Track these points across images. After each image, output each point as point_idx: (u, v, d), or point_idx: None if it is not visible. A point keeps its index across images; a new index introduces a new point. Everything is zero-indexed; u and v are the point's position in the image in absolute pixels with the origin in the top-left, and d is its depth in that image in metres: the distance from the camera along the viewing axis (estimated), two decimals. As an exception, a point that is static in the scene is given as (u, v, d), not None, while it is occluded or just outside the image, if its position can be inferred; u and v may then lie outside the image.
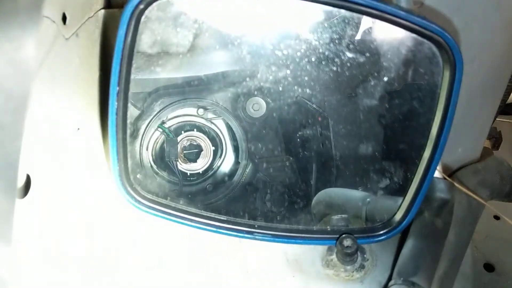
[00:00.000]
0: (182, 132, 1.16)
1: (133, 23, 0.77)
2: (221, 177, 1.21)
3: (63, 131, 0.88)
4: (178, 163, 1.16)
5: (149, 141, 1.15)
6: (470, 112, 1.11)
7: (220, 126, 1.19)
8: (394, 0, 0.81)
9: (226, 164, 1.21)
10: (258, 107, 1.15)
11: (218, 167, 1.21)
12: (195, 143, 1.18)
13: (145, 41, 0.85)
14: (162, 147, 1.15)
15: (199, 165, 1.19)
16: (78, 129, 0.91)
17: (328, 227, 0.98)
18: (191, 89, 1.13)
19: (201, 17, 0.81)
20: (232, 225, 0.95)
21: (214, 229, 0.95)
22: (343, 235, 0.94)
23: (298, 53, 0.93)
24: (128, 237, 0.97)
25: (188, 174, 1.18)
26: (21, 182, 0.75)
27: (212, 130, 1.19)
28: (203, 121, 1.18)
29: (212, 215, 0.95)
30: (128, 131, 0.86)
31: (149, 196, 0.93)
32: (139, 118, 1.12)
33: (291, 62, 0.96)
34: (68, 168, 0.89)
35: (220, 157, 1.20)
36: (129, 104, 1.07)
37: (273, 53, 0.94)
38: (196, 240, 0.99)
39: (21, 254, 0.77)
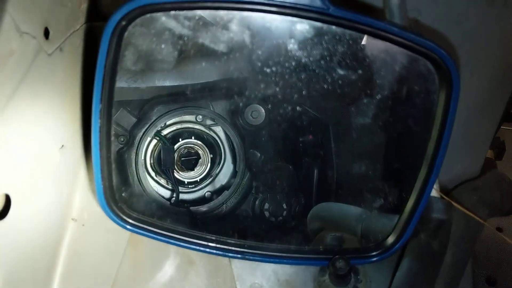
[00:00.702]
0: (180, 139, 1.14)
1: (115, 39, 0.74)
2: (219, 185, 1.19)
3: (46, 148, 0.86)
4: (175, 171, 1.14)
5: (146, 149, 1.14)
6: (469, 127, 1.08)
7: (219, 133, 1.17)
8: (388, 15, 0.77)
9: (224, 172, 1.19)
10: (257, 114, 1.12)
11: (217, 175, 1.19)
12: (192, 151, 1.15)
13: (129, 58, 0.82)
14: (159, 155, 1.13)
15: (197, 173, 1.16)
16: (63, 146, 0.89)
17: (320, 247, 0.95)
18: (189, 97, 1.12)
19: (186, 33, 0.78)
20: (222, 244, 0.92)
21: (203, 248, 0.92)
22: (336, 256, 0.91)
23: (292, 65, 0.91)
24: (114, 256, 0.94)
25: (186, 182, 1.16)
26: (-1, 203, 0.73)
27: (211, 137, 1.17)
28: (201, 127, 1.16)
29: (201, 234, 0.93)
30: (114, 145, 0.84)
31: (135, 214, 0.90)
32: (135, 126, 1.11)
33: (289, 71, 0.93)
34: (51, 187, 0.87)
35: (219, 165, 1.18)
36: (126, 112, 1.08)
37: (272, 61, 0.91)
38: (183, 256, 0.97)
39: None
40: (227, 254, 0.93)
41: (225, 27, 0.77)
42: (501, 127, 1.43)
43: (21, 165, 0.78)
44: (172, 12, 0.75)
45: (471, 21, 0.96)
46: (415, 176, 0.87)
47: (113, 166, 0.86)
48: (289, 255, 0.94)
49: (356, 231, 1.01)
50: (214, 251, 0.92)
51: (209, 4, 0.72)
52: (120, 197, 0.89)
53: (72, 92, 0.92)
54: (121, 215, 0.89)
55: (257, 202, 1.19)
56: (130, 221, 0.89)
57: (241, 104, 1.12)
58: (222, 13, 0.75)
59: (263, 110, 1.12)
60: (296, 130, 1.13)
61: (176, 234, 0.91)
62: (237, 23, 0.77)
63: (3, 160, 0.72)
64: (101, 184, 0.85)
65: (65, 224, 0.91)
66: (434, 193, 0.92)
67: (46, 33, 0.81)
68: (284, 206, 1.18)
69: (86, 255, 0.94)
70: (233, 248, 0.92)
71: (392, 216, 0.94)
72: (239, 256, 0.93)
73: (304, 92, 0.99)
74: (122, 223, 0.89)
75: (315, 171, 1.14)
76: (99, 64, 0.76)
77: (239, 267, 1.00)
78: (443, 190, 0.99)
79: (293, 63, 0.88)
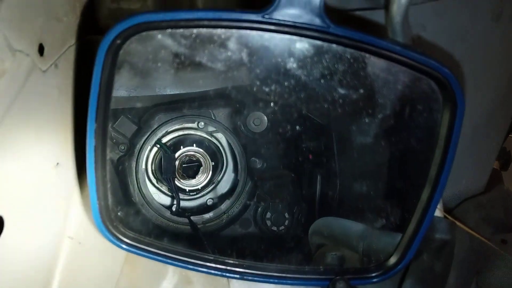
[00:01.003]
0: (181, 147, 1.13)
1: (110, 58, 0.72)
2: (220, 193, 1.18)
3: (41, 166, 0.84)
4: (176, 179, 1.13)
5: (147, 157, 1.13)
6: (475, 142, 1.06)
7: (221, 139, 1.16)
8: (390, 33, 0.75)
9: (226, 179, 1.18)
10: (259, 122, 1.12)
11: (218, 182, 1.18)
12: (194, 158, 1.14)
13: (124, 76, 0.81)
14: (160, 163, 1.12)
15: (198, 181, 1.15)
16: (58, 163, 0.87)
17: (321, 267, 0.93)
18: (189, 105, 1.11)
19: (183, 51, 0.76)
20: (220, 264, 0.90)
21: (201, 268, 0.90)
22: (337, 277, 0.89)
23: (292, 84, 0.89)
24: (110, 275, 0.92)
25: (187, 190, 1.15)
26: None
27: (213, 144, 1.16)
28: (203, 134, 1.15)
29: (199, 253, 0.91)
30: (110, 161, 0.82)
31: (131, 234, 0.88)
32: (136, 134, 1.10)
33: (293, 79, 0.91)
34: (47, 205, 0.85)
35: (220, 172, 1.17)
36: (127, 120, 1.07)
37: (275, 69, 0.89)
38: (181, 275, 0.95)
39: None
40: (225, 274, 0.91)
41: (223, 45, 0.75)
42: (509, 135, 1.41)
43: (14, 185, 0.76)
44: (168, 30, 0.73)
45: (476, 36, 0.94)
46: (418, 196, 0.85)
47: (109, 185, 0.84)
48: (289, 275, 0.92)
49: (358, 248, 0.99)
50: (213, 271, 0.90)
51: (206, 23, 0.70)
52: (116, 216, 0.87)
53: (68, 108, 0.90)
54: (117, 234, 0.87)
55: (259, 211, 1.18)
56: (126, 240, 0.88)
57: (243, 112, 1.11)
58: (220, 31, 0.73)
59: (265, 118, 1.11)
60: (298, 138, 1.11)
61: (173, 254, 0.89)
62: (236, 42, 0.75)
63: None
64: (97, 203, 0.84)
65: (61, 243, 0.89)
66: (438, 212, 0.90)
67: (41, 50, 0.79)
68: (286, 215, 1.17)
69: (83, 274, 0.92)
70: (231, 268, 0.90)
71: (394, 234, 0.93)
72: (237, 276, 0.91)
73: (306, 103, 0.97)
74: (118, 242, 0.87)
75: (318, 179, 1.13)
76: (93, 83, 0.74)
77: (238, 287, 0.98)
78: (447, 206, 0.97)
79: (293, 81, 0.86)
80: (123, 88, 0.98)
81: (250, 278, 0.91)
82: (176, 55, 0.78)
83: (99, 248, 0.92)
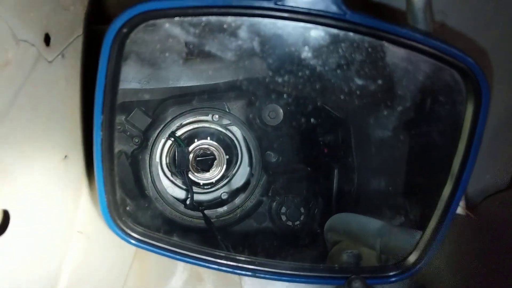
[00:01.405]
0: (196, 140, 1.11)
1: (116, 48, 0.70)
2: (235, 187, 1.16)
3: (49, 159, 0.82)
4: (190, 172, 1.11)
5: (161, 150, 1.12)
6: (498, 135, 1.01)
7: (235, 132, 1.14)
8: (411, 20, 0.71)
9: (241, 172, 1.16)
10: (274, 114, 1.09)
11: (233, 176, 1.16)
12: (208, 152, 1.12)
13: (135, 67, 0.78)
14: (174, 156, 1.11)
15: (212, 175, 1.13)
16: (66, 156, 0.85)
17: (336, 265, 0.90)
18: (204, 97, 1.09)
19: (192, 40, 0.73)
20: (232, 261, 0.88)
21: (212, 265, 0.88)
22: (352, 276, 0.86)
23: (306, 74, 0.85)
24: (120, 270, 0.90)
25: (201, 183, 1.13)
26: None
27: (228, 137, 1.13)
28: (218, 127, 1.13)
29: (210, 250, 0.88)
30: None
31: (140, 229, 0.86)
32: (150, 126, 1.08)
33: (308, 69, 0.88)
34: (55, 199, 0.83)
35: (235, 165, 1.15)
36: (140, 112, 1.05)
37: (289, 59, 0.86)
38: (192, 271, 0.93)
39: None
40: (237, 271, 0.88)
41: (234, 34, 0.71)
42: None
43: (20, 178, 0.75)
44: (177, 19, 0.69)
45: (501, 24, 0.89)
46: (439, 192, 0.81)
47: (117, 179, 0.81)
48: (302, 273, 0.89)
49: (375, 246, 0.96)
50: (224, 268, 0.88)
51: (215, 10, 0.67)
52: (125, 211, 0.85)
53: (76, 100, 0.87)
54: (126, 229, 0.85)
55: (273, 206, 1.16)
56: (135, 235, 0.86)
57: (257, 104, 1.09)
58: (230, 19, 0.70)
59: (281, 110, 1.08)
60: (315, 131, 1.09)
61: (184, 250, 0.87)
62: (247, 30, 0.71)
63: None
64: (105, 198, 0.82)
65: (70, 237, 0.87)
66: (460, 210, 0.86)
67: (47, 39, 0.76)
68: (302, 210, 1.14)
69: (92, 269, 0.90)
70: (243, 265, 0.88)
71: (414, 232, 0.89)
72: (249, 273, 0.88)
73: (323, 92, 0.93)
74: (126, 237, 0.85)
75: (335, 173, 1.10)
76: (99, 74, 0.72)
77: (250, 284, 0.96)
78: (469, 202, 0.93)
79: (308, 72, 0.83)
80: (135, 80, 0.96)
81: (262, 275, 0.88)
82: (186, 44, 0.75)
83: (108, 243, 0.90)
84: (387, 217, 0.95)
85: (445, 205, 0.80)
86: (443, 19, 0.83)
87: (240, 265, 0.88)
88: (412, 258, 0.86)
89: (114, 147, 0.79)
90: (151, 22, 0.69)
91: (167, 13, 0.68)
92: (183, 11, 0.67)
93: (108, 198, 0.82)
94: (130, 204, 0.88)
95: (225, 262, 0.88)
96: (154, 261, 0.95)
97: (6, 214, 0.72)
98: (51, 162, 0.82)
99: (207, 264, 0.87)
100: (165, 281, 0.95)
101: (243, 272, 0.89)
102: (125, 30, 0.68)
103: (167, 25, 0.71)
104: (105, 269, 0.93)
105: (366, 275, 0.87)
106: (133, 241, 0.85)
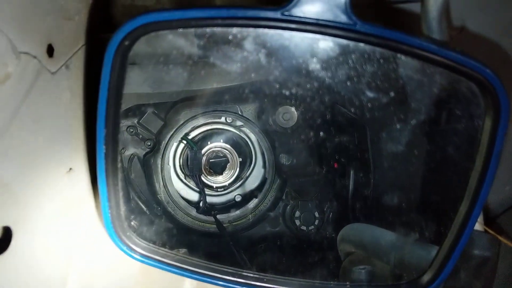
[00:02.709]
0: (209, 142, 1.09)
1: (118, 60, 0.68)
2: (249, 189, 1.14)
3: (53, 172, 0.80)
4: (203, 175, 1.10)
5: (174, 152, 1.11)
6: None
7: (249, 134, 1.12)
8: (425, 30, 0.67)
9: (254, 175, 1.14)
10: (288, 116, 1.06)
11: (247, 178, 1.14)
12: (221, 155, 1.10)
13: (134, 79, 0.76)
14: (187, 158, 1.09)
15: (225, 178, 1.12)
16: (70, 168, 0.83)
17: (348, 283, 0.86)
18: (215, 100, 1.07)
19: (195, 52, 0.70)
20: (239, 278, 0.85)
21: (219, 281, 0.85)
22: (364, 295, 0.83)
23: (315, 86, 0.82)
24: (124, 285, 0.88)
25: (214, 186, 1.12)
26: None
27: (241, 139, 1.12)
28: (231, 128, 1.11)
29: (216, 266, 0.86)
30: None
31: (145, 243, 0.84)
32: (162, 129, 1.07)
33: (315, 84, 0.85)
34: (58, 213, 0.81)
35: (249, 167, 1.13)
36: (153, 115, 1.03)
37: (297, 71, 0.83)
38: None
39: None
40: (244, 288, 0.85)
41: (240, 45, 0.69)
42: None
43: (23, 193, 0.73)
44: (180, 30, 0.67)
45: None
46: (456, 209, 0.77)
47: (121, 193, 0.79)
48: (312, 291, 0.86)
49: (389, 259, 0.92)
50: (231, 285, 0.85)
51: (220, 22, 0.64)
52: (130, 226, 0.83)
53: (81, 111, 0.86)
54: (130, 244, 0.83)
55: (287, 209, 1.13)
56: (140, 250, 0.84)
57: (270, 107, 1.06)
58: (235, 30, 0.67)
59: (295, 112, 1.06)
60: (330, 133, 1.06)
61: (189, 266, 0.85)
62: (253, 42, 0.68)
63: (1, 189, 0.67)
64: (109, 213, 0.80)
65: (73, 252, 0.85)
66: (478, 226, 0.82)
67: (50, 51, 0.75)
68: (316, 214, 1.11)
69: (96, 284, 0.88)
70: (251, 282, 0.85)
71: (430, 248, 0.85)
72: (257, 291, 0.85)
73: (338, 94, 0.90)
74: (130, 253, 0.83)
75: (351, 174, 1.07)
76: (101, 88, 0.70)
77: (259, 300, 0.92)
78: (488, 216, 0.89)
79: (316, 84, 0.80)
80: (147, 83, 0.94)
81: (270, 293, 0.85)
82: (189, 56, 0.72)
83: (112, 258, 0.88)
84: (403, 230, 0.91)
85: (462, 221, 0.76)
86: (461, 25, 0.79)
87: (248, 282, 0.85)
88: (426, 277, 0.82)
89: (117, 161, 0.76)
90: (153, 34, 0.67)
91: (169, 25, 0.65)
92: (186, 23, 0.64)
93: (112, 213, 0.80)
94: (135, 218, 0.86)
95: (232, 278, 0.85)
96: (158, 276, 0.93)
97: (8, 231, 0.70)
98: (55, 175, 0.81)
99: (213, 281, 0.85)
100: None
101: (250, 289, 0.86)
102: (127, 42, 0.66)
103: (170, 36, 0.69)
104: (109, 284, 0.91)
105: (379, 294, 0.83)
106: (137, 257, 0.83)
